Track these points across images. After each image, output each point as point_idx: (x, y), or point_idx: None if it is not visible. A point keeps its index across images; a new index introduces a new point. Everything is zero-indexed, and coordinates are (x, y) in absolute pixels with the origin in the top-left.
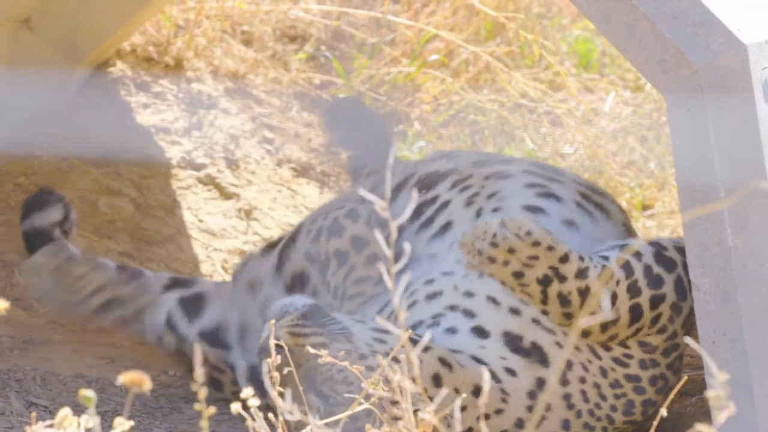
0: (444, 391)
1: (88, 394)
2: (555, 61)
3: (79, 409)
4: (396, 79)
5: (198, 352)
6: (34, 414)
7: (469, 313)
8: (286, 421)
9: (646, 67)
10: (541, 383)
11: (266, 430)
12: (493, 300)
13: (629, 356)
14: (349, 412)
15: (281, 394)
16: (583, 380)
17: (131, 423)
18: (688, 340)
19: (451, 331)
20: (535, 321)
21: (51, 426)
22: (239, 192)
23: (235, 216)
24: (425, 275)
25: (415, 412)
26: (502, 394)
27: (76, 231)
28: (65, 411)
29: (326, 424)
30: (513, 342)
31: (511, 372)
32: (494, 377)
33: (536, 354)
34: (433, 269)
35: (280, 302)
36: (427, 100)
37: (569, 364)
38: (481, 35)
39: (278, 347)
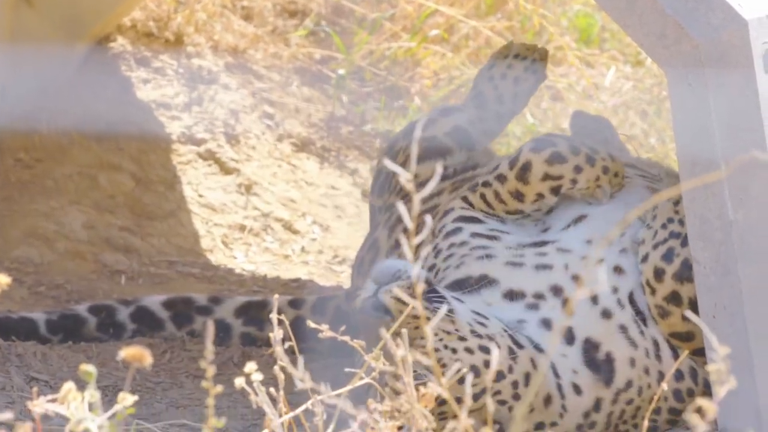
0: (456, 367)
1: (88, 368)
2: (555, 35)
3: (79, 384)
4: (396, 54)
5: (210, 328)
6: (35, 389)
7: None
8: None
9: (646, 41)
10: (598, 403)
11: (269, 404)
12: (593, 298)
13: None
14: (350, 387)
15: (293, 363)
16: (630, 402)
17: (135, 398)
18: (688, 313)
19: (546, 325)
20: (622, 329)
21: (52, 400)
22: (239, 167)
23: (235, 191)
24: (531, 239)
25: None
26: (561, 410)
27: (78, 206)
28: (69, 385)
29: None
30: (589, 352)
31: (577, 389)
32: (560, 392)
33: (605, 370)
34: (546, 239)
35: (392, 263)
36: (427, 75)
37: (628, 383)
38: (482, 10)
39: (380, 309)
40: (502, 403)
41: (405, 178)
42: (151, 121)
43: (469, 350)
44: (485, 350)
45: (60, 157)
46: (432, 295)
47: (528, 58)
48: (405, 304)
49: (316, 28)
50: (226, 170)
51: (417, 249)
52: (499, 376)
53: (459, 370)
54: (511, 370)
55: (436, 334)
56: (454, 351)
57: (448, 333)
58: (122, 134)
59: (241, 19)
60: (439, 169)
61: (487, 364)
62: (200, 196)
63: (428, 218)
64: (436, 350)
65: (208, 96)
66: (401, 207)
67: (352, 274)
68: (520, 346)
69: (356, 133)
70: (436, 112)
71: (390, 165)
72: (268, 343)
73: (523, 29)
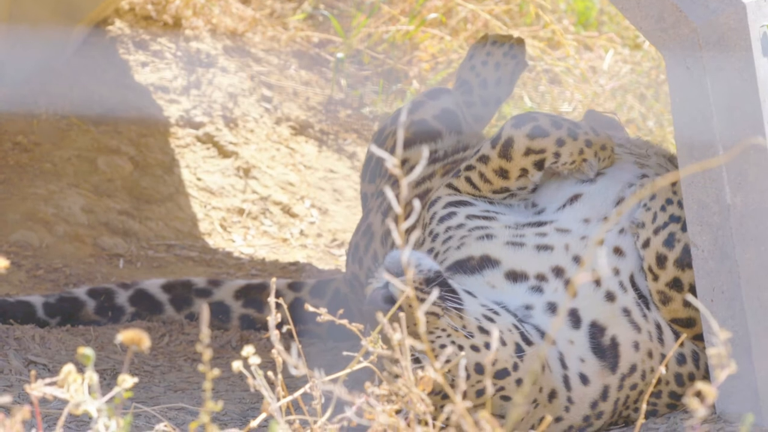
0: (462, 361)
1: (87, 352)
2: (553, 19)
3: (78, 367)
4: (395, 37)
5: (205, 311)
6: (33, 372)
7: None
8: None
9: (644, 25)
10: (606, 392)
11: (267, 388)
12: (596, 281)
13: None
14: (348, 370)
15: (287, 350)
16: (634, 387)
17: (135, 380)
18: (689, 297)
19: (552, 309)
20: (626, 312)
21: (51, 384)
22: (238, 150)
23: (233, 174)
24: (528, 220)
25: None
26: (567, 402)
27: (76, 189)
28: (69, 368)
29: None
30: (595, 336)
31: (583, 379)
32: (566, 384)
33: (611, 355)
34: (543, 220)
35: (406, 255)
36: (425, 58)
37: (632, 368)
38: None
39: (390, 301)
40: (505, 398)
41: (391, 163)
42: (149, 104)
43: (475, 348)
44: (490, 348)
45: (58, 141)
46: (444, 290)
47: (506, 44)
48: (417, 299)
49: (314, 11)
50: (224, 153)
51: (407, 233)
52: (504, 373)
53: (447, 361)
54: (516, 368)
55: (444, 330)
56: (460, 348)
57: (456, 330)
58: (121, 118)
59: (240, 3)
60: (425, 153)
61: (493, 362)
62: (198, 179)
63: (416, 202)
64: (442, 347)
65: (207, 79)
66: (389, 192)
67: (347, 260)
68: (530, 343)
69: (355, 117)
70: (423, 96)
71: (376, 150)
72: (267, 325)
73: (521, 12)
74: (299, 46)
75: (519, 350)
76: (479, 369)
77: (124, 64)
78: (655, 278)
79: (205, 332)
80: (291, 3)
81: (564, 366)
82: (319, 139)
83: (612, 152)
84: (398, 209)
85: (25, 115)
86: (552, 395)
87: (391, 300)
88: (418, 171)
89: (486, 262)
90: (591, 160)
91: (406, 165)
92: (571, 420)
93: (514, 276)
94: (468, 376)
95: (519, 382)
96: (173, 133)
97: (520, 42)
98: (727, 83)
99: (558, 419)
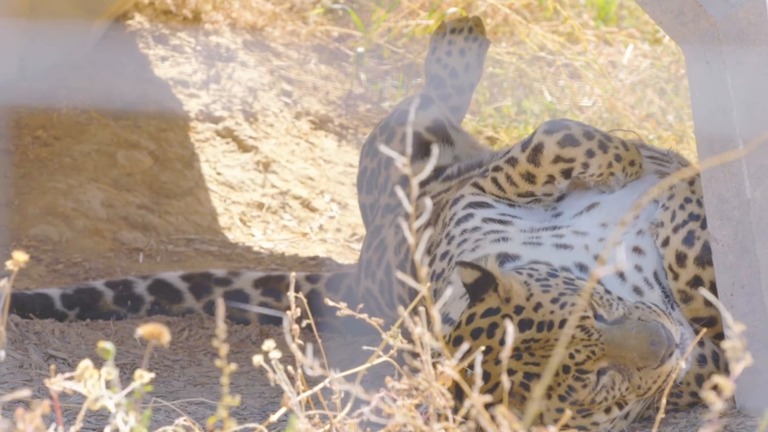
0: (465, 346)
1: (106, 346)
2: (573, 14)
3: (97, 362)
4: (414, 31)
5: (221, 307)
6: (52, 366)
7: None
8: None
9: (664, 19)
10: None
11: (287, 382)
12: (620, 275)
13: None
14: (368, 365)
15: (306, 343)
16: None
17: (152, 375)
18: (702, 291)
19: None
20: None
21: (70, 378)
22: (257, 145)
23: (253, 169)
24: (544, 224)
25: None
26: None
27: (96, 184)
28: (86, 363)
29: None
30: None
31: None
32: None
33: None
34: (559, 224)
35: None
36: None
37: None
38: None
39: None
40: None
41: (401, 162)
42: (169, 98)
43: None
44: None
45: (78, 135)
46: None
47: (464, 28)
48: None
49: (334, 5)
50: (244, 148)
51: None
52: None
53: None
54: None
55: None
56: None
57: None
58: (140, 112)
59: None
60: (435, 150)
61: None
62: (218, 174)
63: (428, 201)
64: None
65: (226, 74)
66: (399, 191)
67: (358, 275)
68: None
69: (374, 111)
70: (411, 105)
71: (385, 150)
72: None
73: (540, 7)
74: (319, 41)
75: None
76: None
77: (144, 59)
78: (676, 277)
79: (222, 327)
80: None
81: None
82: (338, 134)
83: (640, 167)
84: (409, 208)
85: (45, 109)
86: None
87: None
88: (429, 169)
89: (505, 258)
90: (618, 175)
91: (406, 181)
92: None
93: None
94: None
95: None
96: (193, 128)
97: (478, 22)
98: (746, 77)
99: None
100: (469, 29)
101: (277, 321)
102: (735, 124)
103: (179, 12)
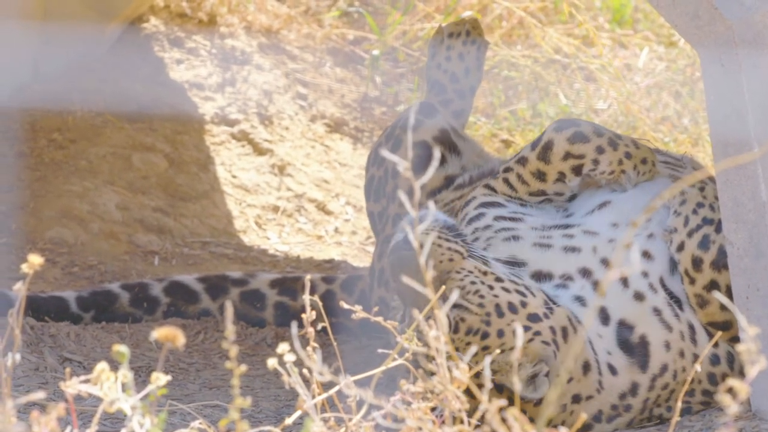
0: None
1: (121, 349)
2: (588, 17)
3: (112, 365)
4: (429, 34)
5: (229, 310)
6: (68, 369)
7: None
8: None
9: (680, 22)
10: (635, 388)
11: (302, 385)
12: (623, 281)
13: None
14: (383, 368)
15: (322, 346)
16: (665, 387)
17: (167, 378)
18: (717, 294)
19: (579, 301)
20: (656, 311)
21: (86, 381)
22: (273, 148)
23: (268, 172)
24: (555, 222)
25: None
26: (597, 385)
27: (111, 187)
28: (102, 365)
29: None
30: (623, 333)
31: (612, 369)
32: (598, 366)
33: (640, 353)
34: (570, 223)
35: (422, 212)
36: None
37: (663, 367)
38: None
39: (408, 245)
40: (546, 343)
41: (403, 167)
42: (184, 101)
43: (506, 289)
44: (521, 294)
45: (93, 138)
46: (466, 238)
47: (462, 32)
48: (441, 239)
49: (349, 8)
50: (259, 151)
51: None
52: (536, 317)
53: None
54: (547, 315)
55: (471, 272)
56: (491, 288)
57: (485, 273)
58: (156, 115)
59: (274, 0)
60: (437, 153)
61: (523, 304)
62: (233, 176)
63: (431, 203)
64: (473, 283)
65: (242, 76)
66: (402, 196)
67: (370, 284)
68: (555, 304)
69: (389, 114)
70: (418, 114)
71: (388, 155)
72: (302, 313)
73: (556, 10)
74: (334, 44)
75: (546, 305)
76: (512, 308)
77: (159, 62)
78: (692, 281)
79: (231, 328)
80: (326, 0)
81: (593, 351)
82: (354, 137)
83: (653, 167)
84: (413, 212)
85: (60, 112)
86: (586, 368)
87: (412, 246)
88: (431, 172)
89: (512, 263)
90: (629, 172)
91: (423, 190)
92: (600, 404)
93: (539, 276)
94: (502, 314)
95: (553, 330)
96: (208, 131)
97: (475, 24)
98: (762, 80)
99: (589, 397)
100: (467, 32)
101: (294, 319)
102: (750, 127)
103: (194, 15)
